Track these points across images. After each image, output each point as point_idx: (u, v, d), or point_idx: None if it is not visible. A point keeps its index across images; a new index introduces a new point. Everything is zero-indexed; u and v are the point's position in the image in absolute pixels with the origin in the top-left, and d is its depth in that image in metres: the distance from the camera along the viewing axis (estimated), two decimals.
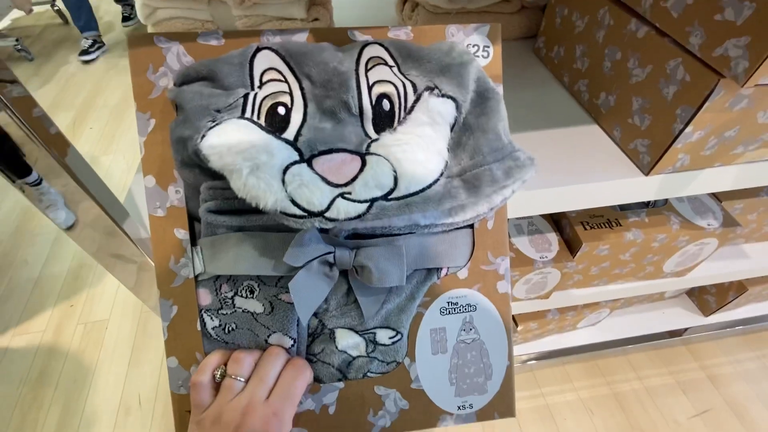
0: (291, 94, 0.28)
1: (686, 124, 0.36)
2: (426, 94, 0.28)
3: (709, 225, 0.58)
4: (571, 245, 0.59)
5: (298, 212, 0.24)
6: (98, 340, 1.10)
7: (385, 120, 0.28)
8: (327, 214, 0.24)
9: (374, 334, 0.32)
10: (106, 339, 1.10)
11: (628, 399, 0.97)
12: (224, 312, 0.30)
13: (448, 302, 0.33)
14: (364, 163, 0.26)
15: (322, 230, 0.29)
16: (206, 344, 0.31)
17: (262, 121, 0.28)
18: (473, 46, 0.31)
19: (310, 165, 0.25)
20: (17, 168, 0.29)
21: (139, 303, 1.17)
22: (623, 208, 0.60)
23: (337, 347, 0.31)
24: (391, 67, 0.29)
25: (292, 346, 0.31)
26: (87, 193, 0.31)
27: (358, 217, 0.25)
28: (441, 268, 0.32)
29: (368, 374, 0.32)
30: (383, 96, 0.28)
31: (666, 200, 0.61)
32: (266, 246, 0.29)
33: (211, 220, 0.28)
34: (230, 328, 0.31)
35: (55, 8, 2.53)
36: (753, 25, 0.29)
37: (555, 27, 0.52)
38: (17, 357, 1.07)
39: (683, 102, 0.36)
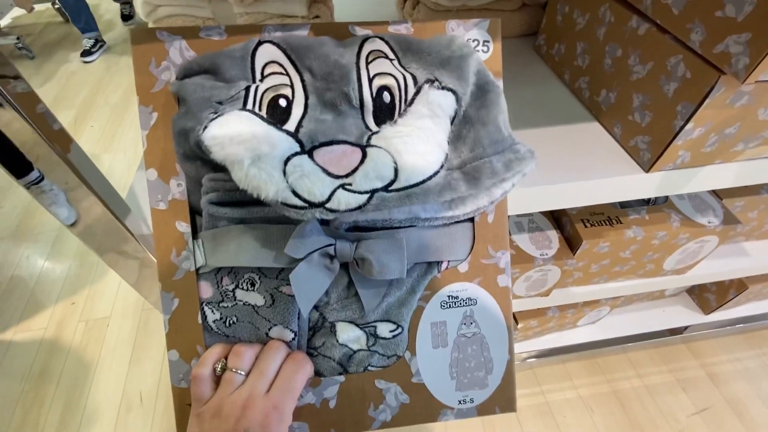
0: (292, 86, 0.29)
1: (687, 121, 0.36)
2: (426, 86, 0.28)
3: (709, 222, 0.58)
4: (571, 242, 0.59)
5: (299, 203, 0.24)
6: (99, 337, 1.10)
7: (385, 112, 0.29)
8: (328, 205, 0.24)
9: (375, 327, 0.32)
10: (107, 336, 1.10)
11: (628, 397, 0.97)
12: (225, 305, 0.31)
13: (449, 296, 0.33)
14: (364, 155, 0.26)
15: (323, 223, 0.29)
16: (207, 337, 0.31)
17: (263, 113, 0.28)
18: (473, 41, 0.31)
19: (311, 156, 0.26)
20: (19, 166, 0.29)
21: (141, 300, 1.17)
22: (623, 205, 0.60)
23: (337, 341, 0.31)
24: (391, 60, 0.29)
25: (293, 339, 0.31)
26: (90, 190, 0.31)
27: (359, 208, 0.25)
28: (441, 262, 0.32)
29: (369, 368, 0.32)
30: (384, 88, 0.29)
31: (666, 198, 0.61)
32: (267, 238, 0.29)
33: (213, 211, 0.29)
34: (231, 321, 0.31)
35: (56, 6, 2.53)
36: (754, 22, 0.29)
37: (556, 24, 0.52)
38: (19, 354, 1.07)
39: (684, 99, 0.36)
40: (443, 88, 0.28)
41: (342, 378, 0.32)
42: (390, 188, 0.25)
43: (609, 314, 0.91)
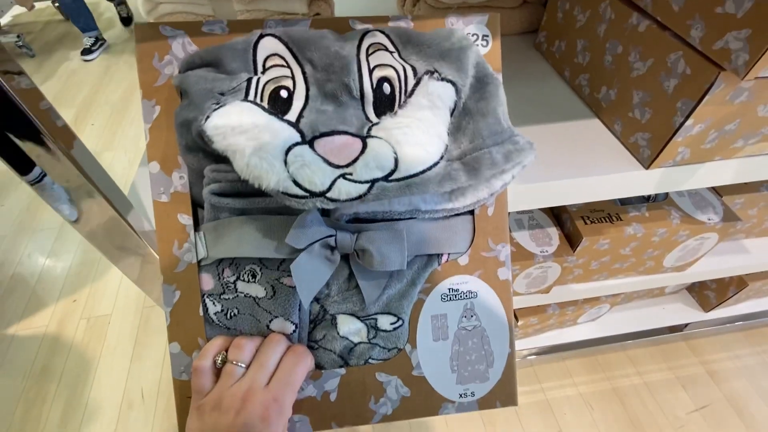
0: (293, 78, 0.29)
1: (687, 117, 0.36)
2: (426, 77, 0.28)
3: (709, 220, 0.58)
4: (571, 239, 0.59)
5: (300, 192, 0.24)
6: (101, 334, 1.11)
7: (385, 103, 0.29)
8: (328, 195, 0.25)
9: (375, 320, 0.32)
10: (108, 333, 1.11)
11: (628, 394, 0.97)
12: (226, 297, 0.31)
13: (449, 289, 0.33)
14: (365, 146, 0.26)
15: (324, 214, 0.29)
16: (208, 330, 0.31)
17: (265, 105, 0.28)
18: (472, 36, 0.31)
19: (311, 146, 0.26)
20: (22, 164, 0.29)
21: (142, 298, 1.17)
22: (623, 202, 0.60)
23: (338, 333, 0.32)
24: (391, 52, 0.29)
25: (294, 331, 0.31)
26: (93, 186, 0.31)
27: (359, 197, 0.25)
28: (442, 255, 0.32)
29: (369, 361, 0.32)
30: (384, 80, 0.29)
31: (666, 195, 0.61)
32: (268, 229, 0.29)
33: (215, 202, 0.29)
34: (232, 314, 0.31)
35: (56, 4, 2.53)
36: (753, 18, 0.29)
37: (556, 21, 0.53)
38: (20, 351, 1.08)
39: (684, 95, 0.36)
40: (443, 79, 0.28)
41: (343, 371, 0.32)
42: (390, 178, 0.25)
43: (609, 311, 0.91)
